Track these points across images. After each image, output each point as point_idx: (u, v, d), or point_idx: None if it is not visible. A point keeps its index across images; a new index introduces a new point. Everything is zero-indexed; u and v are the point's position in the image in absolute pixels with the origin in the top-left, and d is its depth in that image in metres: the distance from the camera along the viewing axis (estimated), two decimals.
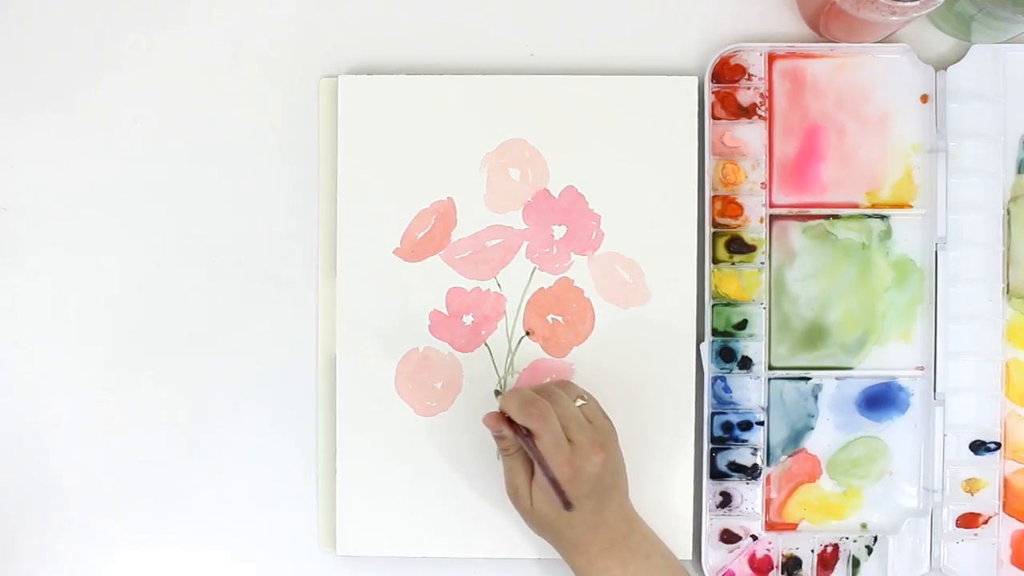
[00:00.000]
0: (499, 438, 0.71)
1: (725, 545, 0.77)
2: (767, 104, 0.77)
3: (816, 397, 0.77)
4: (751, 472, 0.77)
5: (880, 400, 0.77)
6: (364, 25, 0.79)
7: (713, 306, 0.77)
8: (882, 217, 0.77)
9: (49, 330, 0.79)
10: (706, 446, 0.77)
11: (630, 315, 0.77)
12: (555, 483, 0.68)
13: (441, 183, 0.77)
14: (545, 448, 0.68)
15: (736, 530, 0.77)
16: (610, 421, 0.72)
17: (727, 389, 0.77)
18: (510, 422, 0.69)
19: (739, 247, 0.77)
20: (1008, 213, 0.77)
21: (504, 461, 0.71)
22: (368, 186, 0.77)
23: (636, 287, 0.77)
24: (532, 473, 0.70)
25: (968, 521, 0.77)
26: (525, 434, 0.69)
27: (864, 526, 0.77)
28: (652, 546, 0.72)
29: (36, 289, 0.79)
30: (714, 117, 0.77)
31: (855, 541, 0.77)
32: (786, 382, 0.77)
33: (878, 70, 0.77)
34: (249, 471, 0.79)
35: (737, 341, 0.77)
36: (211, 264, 0.79)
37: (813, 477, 0.78)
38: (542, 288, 0.77)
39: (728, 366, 0.77)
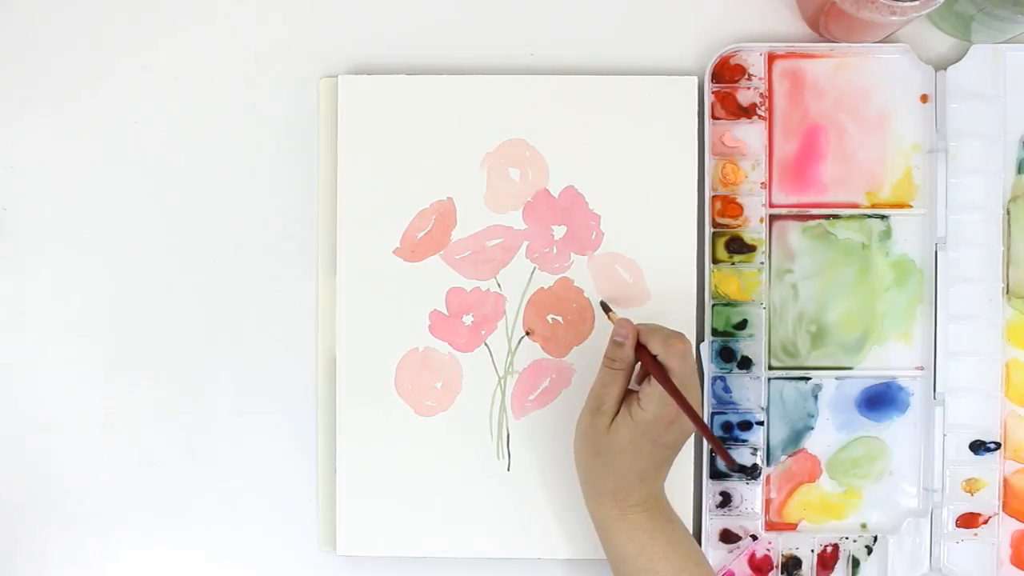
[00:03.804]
0: (617, 345, 0.70)
1: (725, 545, 0.77)
2: (767, 104, 0.77)
3: (816, 397, 0.77)
4: (751, 472, 0.77)
5: (880, 400, 0.77)
6: (364, 25, 0.79)
7: (713, 306, 0.77)
8: (882, 217, 0.77)
9: (49, 330, 0.79)
10: (706, 446, 0.77)
11: (630, 315, 0.77)
12: (719, 447, 0.68)
13: (441, 183, 0.77)
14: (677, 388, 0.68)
15: (736, 530, 0.77)
16: None
17: (727, 389, 0.77)
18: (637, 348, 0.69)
19: (739, 247, 0.77)
20: (1008, 213, 0.77)
21: (601, 373, 0.70)
22: (368, 186, 0.77)
23: (636, 287, 0.77)
24: (623, 398, 0.70)
25: (968, 521, 0.77)
26: (652, 363, 0.69)
27: (864, 526, 0.77)
28: (673, 512, 0.71)
29: (36, 289, 0.79)
30: (714, 117, 0.77)
31: (855, 541, 0.77)
32: (786, 382, 0.77)
33: (878, 70, 0.77)
34: (249, 471, 0.79)
35: (737, 341, 0.77)
36: (211, 264, 0.79)
37: (813, 477, 0.78)
38: (542, 288, 0.77)
39: (728, 366, 0.77)
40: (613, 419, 0.69)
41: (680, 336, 0.69)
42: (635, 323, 0.70)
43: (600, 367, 0.71)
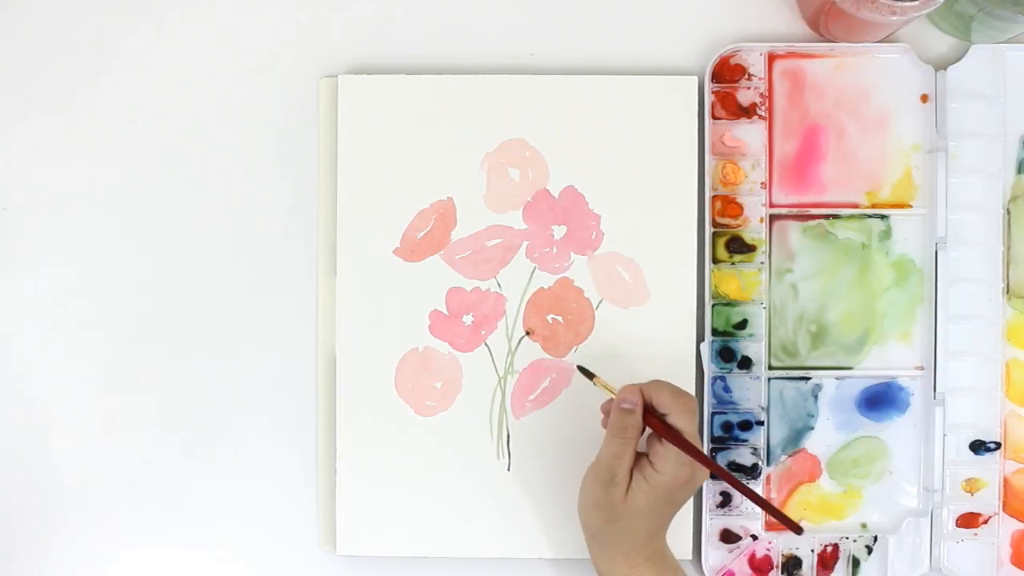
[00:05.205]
0: (626, 413, 0.69)
1: (725, 545, 0.77)
2: (767, 104, 0.77)
3: (816, 397, 0.77)
4: (751, 472, 0.77)
5: (880, 400, 0.77)
6: (364, 25, 0.79)
7: (713, 306, 0.77)
8: (882, 217, 0.77)
9: (49, 330, 0.79)
10: (706, 446, 0.77)
11: (630, 315, 0.77)
12: (772, 508, 0.68)
13: (441, 183, 0.77)
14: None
15: (736, 530, 0.77)
16: None
17: (727, 389, 0.77)
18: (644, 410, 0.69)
19: (739, 247, 0.77)
20: (1008, 213, 0.77)
21: (610, 444, 0.69)
22: (368, 186, 0.77)
23: (636, 287, 0.77)
24: (634, 464, 0.69)
25: (968, 521, 0.77)
26: (663, 427, 0.68)
27: (864, 526, 0.77)
28: (674, 559, 0.71)
29: (36, 289, 0.79)
30: (714, 117, 0.77)
31: (855, 541, 0.77)
32: (786, 382, 0.77)
33: (878, 70, 0.77)
34: (249, 471, 0.79)
35: (737, 341, 0.77)
36: (211, 264, 0.79)
37: (813, 477, 0.78)
38: (542, 288, 0.77)
39: (728, 366, 0.77)
40: (628, 487, 0.68)
41: (688, 394, 0.69)
42: (637, 386, 0.69)
43: (607, 437, 0.69)
